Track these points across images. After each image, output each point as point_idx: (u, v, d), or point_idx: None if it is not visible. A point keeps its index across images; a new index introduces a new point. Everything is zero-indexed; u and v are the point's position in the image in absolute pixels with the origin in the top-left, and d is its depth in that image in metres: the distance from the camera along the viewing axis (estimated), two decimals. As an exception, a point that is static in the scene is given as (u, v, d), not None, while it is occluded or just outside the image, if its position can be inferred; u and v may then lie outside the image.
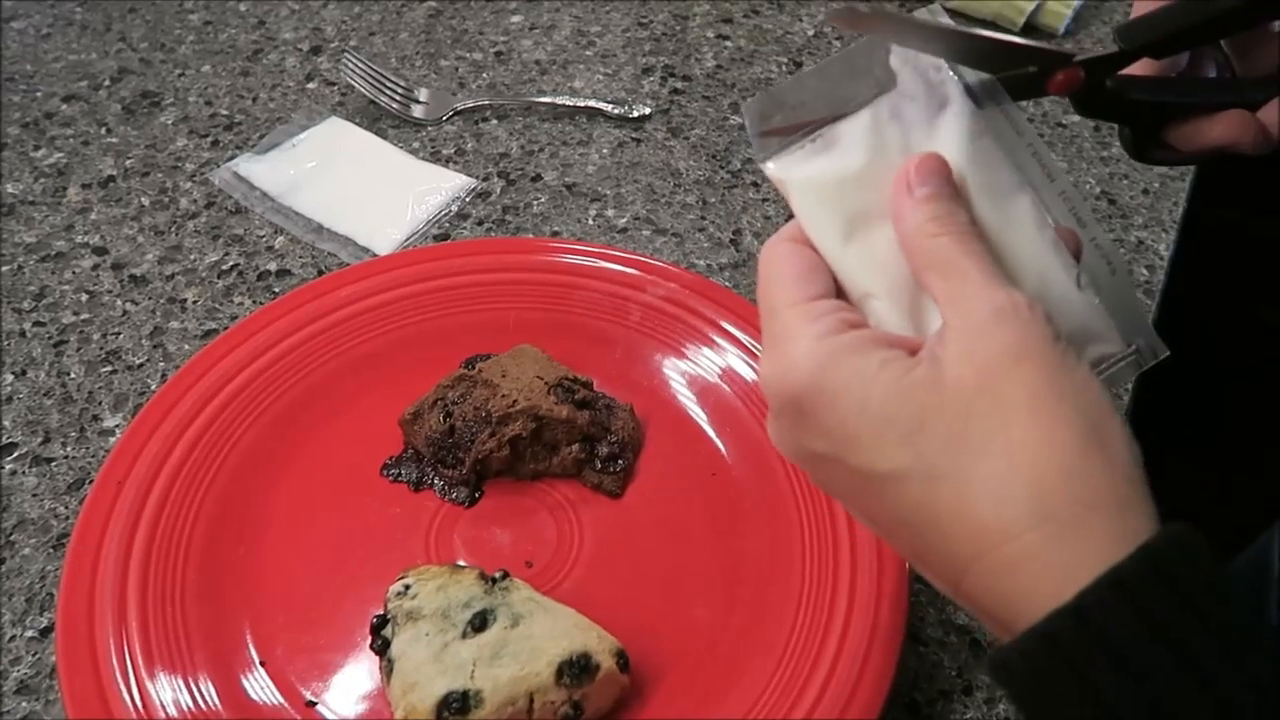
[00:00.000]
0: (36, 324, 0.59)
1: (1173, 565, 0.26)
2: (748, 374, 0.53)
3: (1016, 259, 0.32)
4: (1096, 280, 0.33)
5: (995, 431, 0.27)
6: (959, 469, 0.27)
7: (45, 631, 0.45)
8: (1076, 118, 0.76)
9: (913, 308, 0.33)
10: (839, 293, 0.33)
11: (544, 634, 0.41)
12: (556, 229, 0.65)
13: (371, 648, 0.42)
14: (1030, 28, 0.79)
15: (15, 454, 0.52)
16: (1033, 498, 0.27)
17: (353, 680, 0.43)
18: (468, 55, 0.78)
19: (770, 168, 0.35)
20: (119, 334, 0.58)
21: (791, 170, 0.34)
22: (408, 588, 0.42)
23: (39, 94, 0.74)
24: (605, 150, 0.71)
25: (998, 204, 0.33)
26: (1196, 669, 0.25)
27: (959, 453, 0.28)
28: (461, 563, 0.47)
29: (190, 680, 0.41)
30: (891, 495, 0.29)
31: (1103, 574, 0.26)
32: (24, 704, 0.43)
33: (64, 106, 0.73)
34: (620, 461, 0.50)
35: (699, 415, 0.52)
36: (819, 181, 0.34)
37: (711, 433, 0.52)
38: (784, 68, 0.78)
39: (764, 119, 0.34)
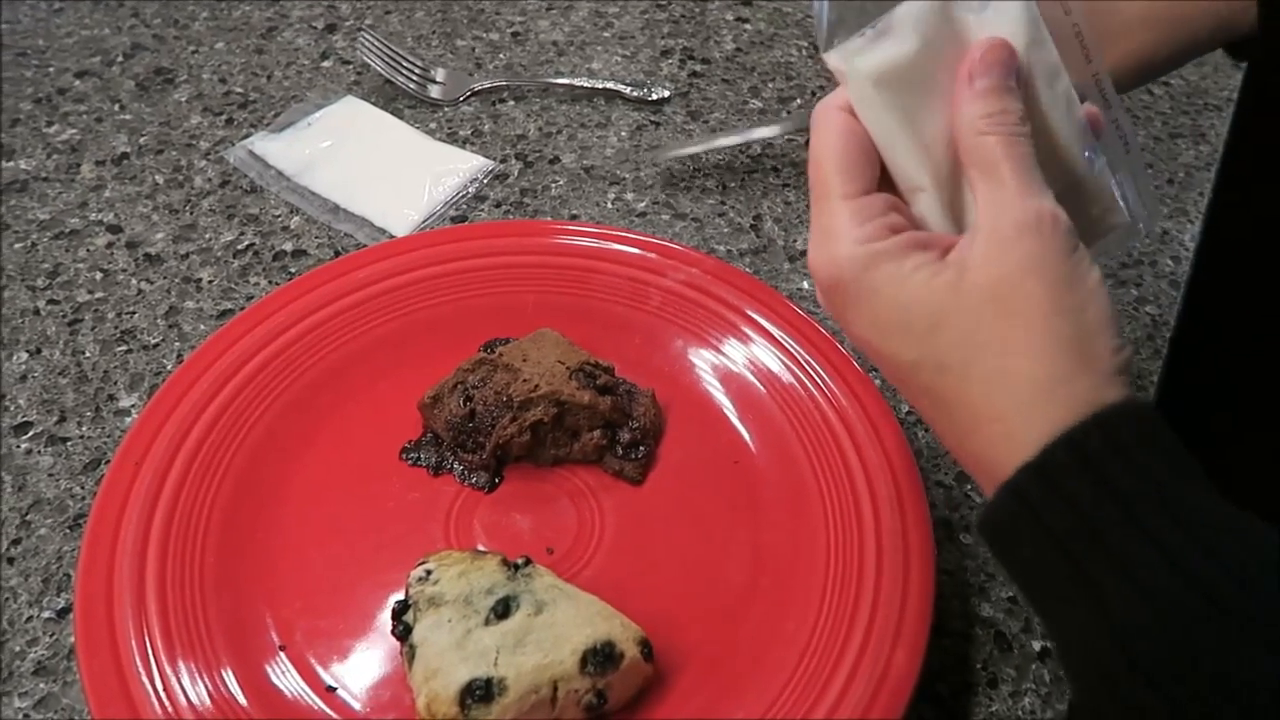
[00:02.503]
0: (51, 302, 0.58)
1: (1121, 429, 0.31)
2: (770, 361, 0.52)
3: (1051, 138, 0.35)
4: (1112, 157, 0.36)
5: (996, 336, 0.32)
6: (962, 363, 0.33)
7: (63, 612, 0.45)
8: (1100, 106, 0.75)
9: (954, 203, 0.35)
10: (885, 179, 0.36)
11: (568, 622, 0.40)
12: (575, 212, 0.64)
13: (393, 633, 0.42)
14: None
15: (30, 433, 0.52)
16: (1014, 389, 0.32)
17: (373, 665, 0.42)
18: (484, 35, 0.77)
19: (830, 58, 0.35)
20: (134, 313, 0.58)
21: (849, 59, 0.34)
22: (429, 573, 0.42)
23: (51, 69, 0.73)
24: (624, 133, 0.70)
25: (1044, 86, 0.35)
26: (1136, 519, 0.29)
27: (964, 350, 0.33)
28: (481, 548, 0.46)
29: (210, 664, 0.41)
30: (910, 377, 0.35)
31: (1060, 435, 0.31)
32: (42, 685, 0.43)
33: (77, 82, 0.72)
34: (642, 448, 0.49)
35: (721, 402, 0.52)
36: (874, 69, 0.34)
37: (734, 420, 0.51)
38: (804, 51, 0.77)
39: (834, 16, 0.35)
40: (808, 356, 0.52)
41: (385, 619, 0.43)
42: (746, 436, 0.51)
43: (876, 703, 0.40)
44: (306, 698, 0.41)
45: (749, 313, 0.54)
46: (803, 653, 0.42)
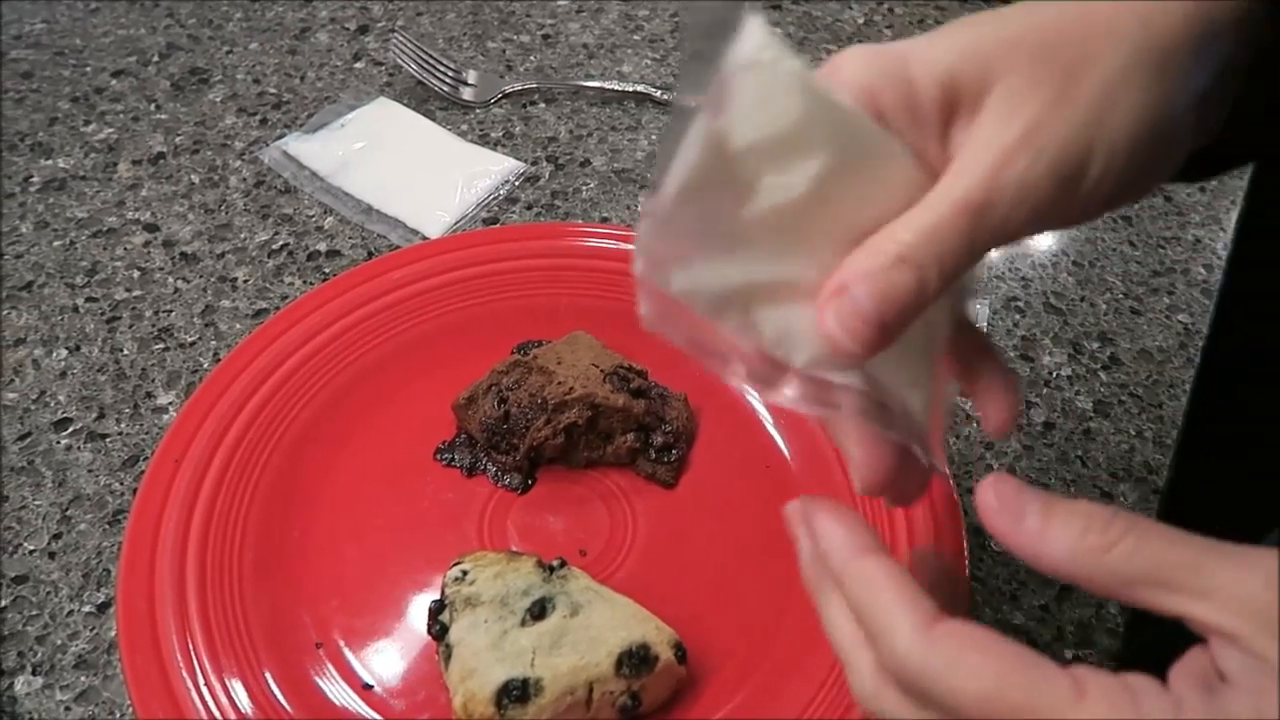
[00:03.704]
0: (89, 299, 0.59)
1: None
2: (802, 366, 0.52)
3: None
4: None
5: None
6: None
7: (103, 607, 0.46)
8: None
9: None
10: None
11: (603, 624, 0.40)
12: (606, 215, 0.65)
13: (429, 633, 0.42)
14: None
15: (70, 429, 0.52)
16: None
17: (409, 664, 0.43)
18: (515, 38, 0.78)
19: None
20: (171, 311, 0.58)
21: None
22: (465, 573, 0.42)
23: (88, 69, 0.74)
24: (655, 136, 0.70)
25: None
26: None
27: None
28: (515, 549, 0.47)
29: (248, 661, 0.41)
30: None
31: None
32: (83, 678, 0.43)
33: (113, 82, 0.73)
34: (674, 451, 0.49)
35: (753, 407, 0.52)
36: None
37: (766, 425, 0.51)
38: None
39: None
40: (840, 362, 0.52)
41: (420, 618, 0.44)
42: (779, 441, 0.51)
43: (910, 709, 0.40)
44: (344, 695, 0.41)
45: (781, 317, 0.54)
46: (835, 659, 0.42)
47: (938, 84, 0.28)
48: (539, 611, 0.40)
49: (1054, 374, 0.57)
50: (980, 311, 0.60)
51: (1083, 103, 0.28)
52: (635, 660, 0.40)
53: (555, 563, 0.43)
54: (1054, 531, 0.27)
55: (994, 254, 0.64)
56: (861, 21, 0.80)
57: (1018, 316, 0.60)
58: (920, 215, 0.28)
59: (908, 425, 0.31)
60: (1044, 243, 0.65)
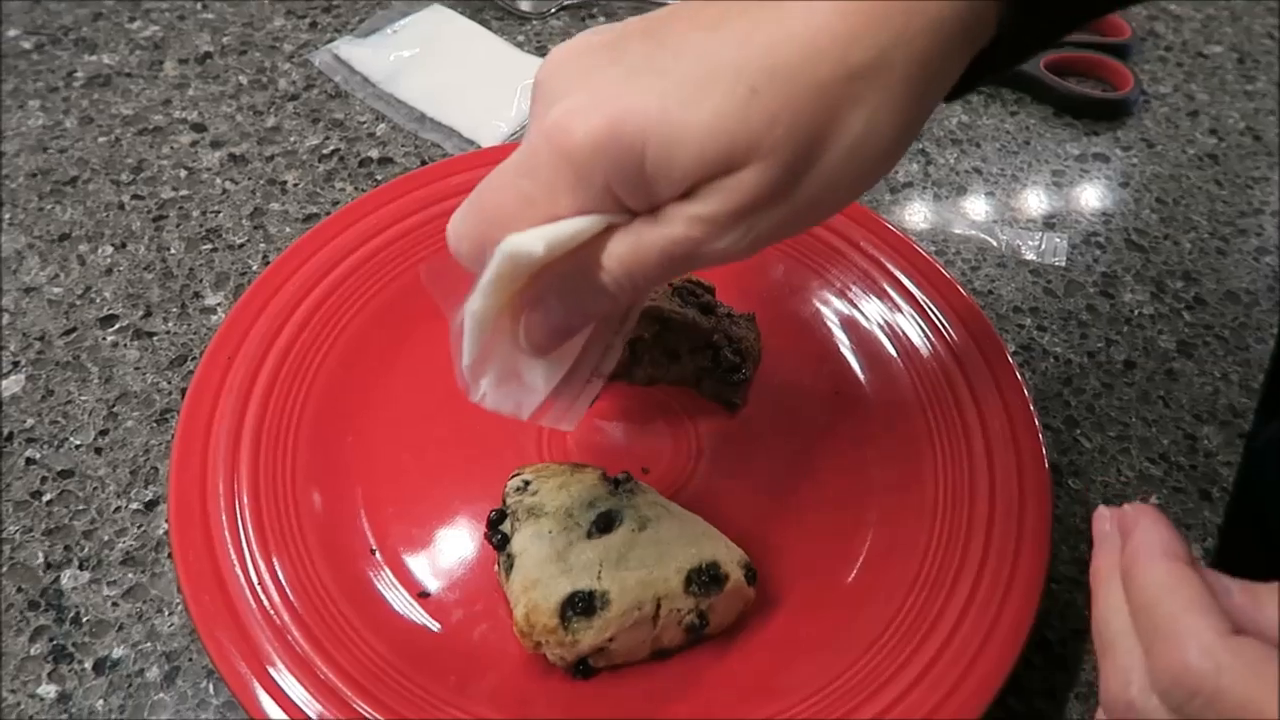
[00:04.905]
0: (135, 197, 0.57)
1: None
2: (876, 290, 0.50)
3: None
4: None
5: None
6: None
7: (150, 504, 0.44)
8: (1219, 47, 0.71)
9: None
10: None
11: (672, 539, 0.39)
12: (668, 132, 0.62)
13: (489, 541, 0.41)
14: None
15: (117, 326, 0.51)
16: None
17: (466, 574, 0.41)
18: (574, -52, 0.74)
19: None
20: (219, 212, 0.56)
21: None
22: (527, 484, 0.41)
23: (133, -35, 0.71)
24: (719, 54, 0.67)
25: None
26: None
27: None
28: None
29: (303, 560, 0.40)
30: None
31: None
32: (130, 575, 0.42)
33: (159, -21, 0.70)
34: (742, 372, 0.47)
35: (822, 331, 0.50)
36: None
37: (836, 349, 0.49)
38: None
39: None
40: (915, 286, 0.50)
41: (478, 529, 0.42)
42: (851, 365, 0.49)
43: (990, 645, 0.38)
44: (402, 601, 0.40)
45: (854, 239, 0.52)
46: (907, 592, 0.40)
47: (688, 178, 0.27)
48: (605, 524, 0.39)
49: (1135, 312, 0.55)
50: (1059, 246, 0.57)
51: (813, 190, 0.28)
52: (705, 578, 0.38)
53: (621, 476, 0.41)
54: (1264, 602, 0.27)
55: (1068, 191, 0.61)
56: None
57: (1098, 252, 0.57)
58: (626, 246, 0.29)
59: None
60: (1125, 180, 0.62)
